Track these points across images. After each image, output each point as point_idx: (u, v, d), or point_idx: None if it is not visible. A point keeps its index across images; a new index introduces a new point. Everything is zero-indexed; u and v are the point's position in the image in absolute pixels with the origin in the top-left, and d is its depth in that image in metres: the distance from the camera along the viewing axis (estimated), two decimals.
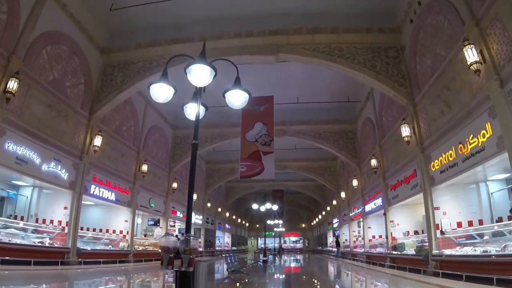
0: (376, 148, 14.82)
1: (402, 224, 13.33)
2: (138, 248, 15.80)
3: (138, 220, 18.09)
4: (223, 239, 36.09)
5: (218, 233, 33.65)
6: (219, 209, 31.59)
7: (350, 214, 21.36)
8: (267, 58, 11.96)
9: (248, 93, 5.13)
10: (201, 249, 25.50)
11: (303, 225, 54.07)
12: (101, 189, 13.16)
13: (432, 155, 9.71)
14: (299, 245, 54.02)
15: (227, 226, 36.70)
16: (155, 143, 18.11)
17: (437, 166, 9.35)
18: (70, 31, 11.41)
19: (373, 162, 14.65)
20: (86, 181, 12.23)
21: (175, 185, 19.49)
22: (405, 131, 10.76)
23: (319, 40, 11.64)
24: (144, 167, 15.95)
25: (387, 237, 13.42)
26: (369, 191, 16.90)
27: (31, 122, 9.81)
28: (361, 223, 18.43)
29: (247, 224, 52.19)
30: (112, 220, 15.20)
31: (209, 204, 27.49)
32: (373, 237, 16.92)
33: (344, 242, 24.67)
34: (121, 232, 14.97)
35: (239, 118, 14.92)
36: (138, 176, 15.76)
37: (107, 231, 14.65)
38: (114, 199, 14.00)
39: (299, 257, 31.20)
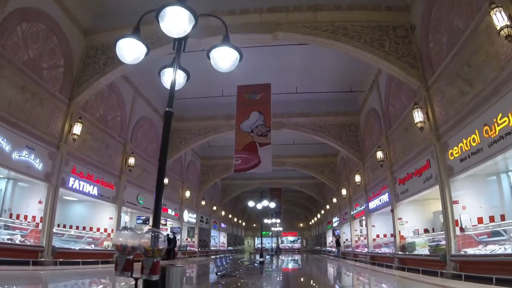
0: (382, 139, 13.75)
1: (411, 222, 12.28)
2: None
3: (126, 218, 16.93)
4: (219, 239, 34.92)
5: (213, 233, 32.44)
6: (215, 208, 30.47)
7: (352, 212, 20.35)
8: (265, 37, 10.91)
9: (238, 52, 4.17)
10: (195, 249, 24.42)
11: (301, 225, 53.25)
12: (82, 183, 11.94)
13: (449, 142, 8.65)
14: (296, 245, 53.34)
15: (222, 225, 35.57)
16: (144, 135, 16.95)
17: (456, 154, 8.28)
18: (50, 8, 10.39)
19: (379, 154, 13.56)
20: (64, 173, 11.06)
21: (166, 181, 18.32)
22: (418, 116, 9.65)
23: (321, 18, 10.65)
24: (131, 160, 14.78)
25: (395, 236, 12.33)
26: (373, 187, 15.84)
27: (0, 105, 8.75)
28: (364, 222, 17.37)
29: (243, 224, 51.13)
30: (97, 217, 13.97)
31: (203, 202, 26.41)
32: (378, 236, 15.91)
33: (344, 242, 23.68)
34: (105, 230, 13.81)
35: (234, 109, 13.82)
36: (124, 170, 14.58)
37: (91, 229, 13.53)
38: (96, 194, 12.78)
39: (297, 257, 30.12)
